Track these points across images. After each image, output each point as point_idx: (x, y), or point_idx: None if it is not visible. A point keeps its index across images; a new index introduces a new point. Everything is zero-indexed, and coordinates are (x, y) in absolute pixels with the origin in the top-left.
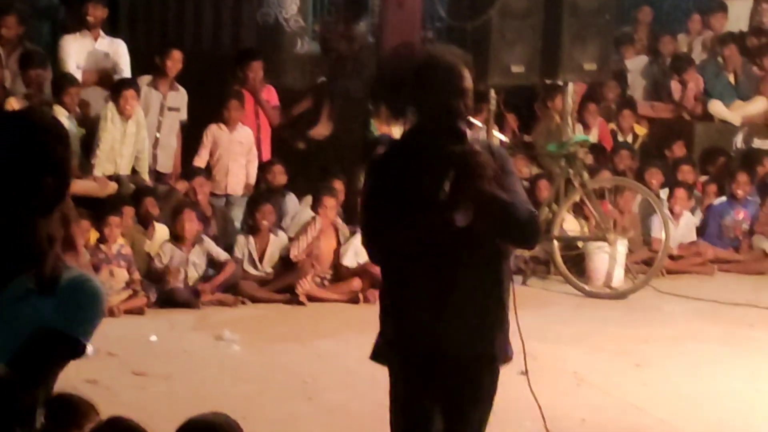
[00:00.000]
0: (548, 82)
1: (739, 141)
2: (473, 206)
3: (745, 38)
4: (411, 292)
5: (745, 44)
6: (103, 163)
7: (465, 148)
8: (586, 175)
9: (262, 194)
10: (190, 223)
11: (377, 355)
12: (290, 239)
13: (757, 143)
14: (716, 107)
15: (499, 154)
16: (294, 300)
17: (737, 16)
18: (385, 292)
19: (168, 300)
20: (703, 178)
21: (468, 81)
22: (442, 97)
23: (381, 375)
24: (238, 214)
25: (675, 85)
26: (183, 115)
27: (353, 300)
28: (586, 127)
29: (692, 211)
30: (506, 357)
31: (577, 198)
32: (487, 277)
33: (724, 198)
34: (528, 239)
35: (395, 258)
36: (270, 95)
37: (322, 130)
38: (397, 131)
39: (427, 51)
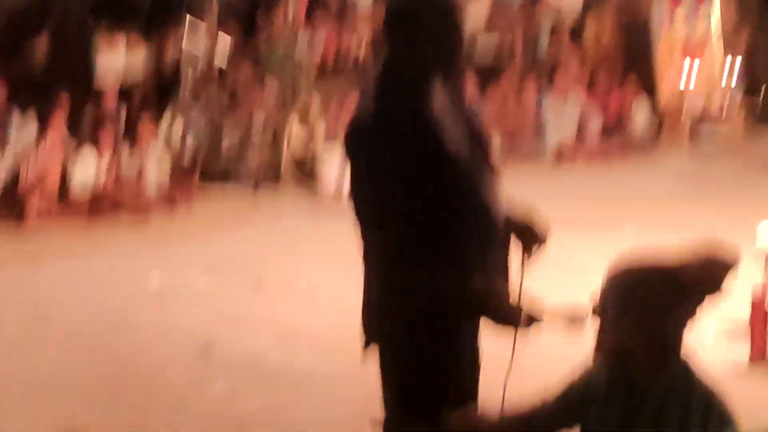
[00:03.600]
0: None
1: None
2: None
3: None
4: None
5: None
6: None
7: (474, 113)
8: (312, 81)
9: None
10: None
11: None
12: (16, 157)
13: None
14: None
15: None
16: (21, 221)
17: None
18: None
19: None
20: None
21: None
22: (450, 44)
23: (113, 294)
24: None
25: None
26: None
27: (84, 218)
28: (314, 32)
29: None
30: None
31: (305, 104)
32: None
33: None
34: None
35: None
36: None
37: (41, 46)
38: (121, 53)
39: None
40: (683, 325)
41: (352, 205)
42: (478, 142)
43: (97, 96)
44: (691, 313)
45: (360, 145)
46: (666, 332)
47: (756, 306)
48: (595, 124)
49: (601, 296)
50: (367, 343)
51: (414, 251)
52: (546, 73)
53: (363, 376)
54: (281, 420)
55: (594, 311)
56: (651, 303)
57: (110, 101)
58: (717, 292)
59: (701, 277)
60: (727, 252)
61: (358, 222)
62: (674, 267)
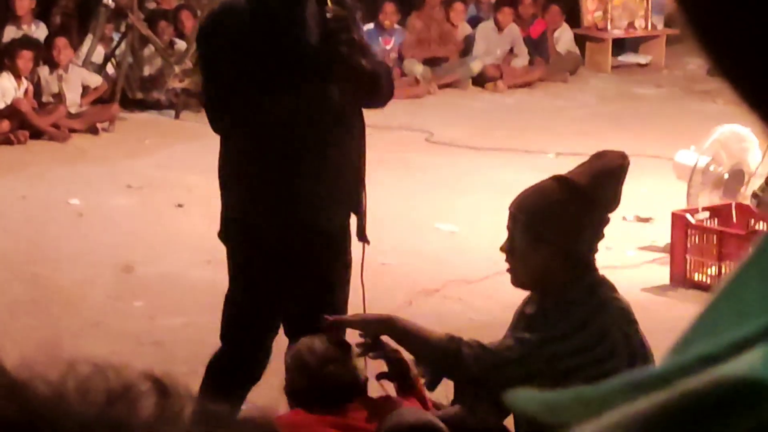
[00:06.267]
0: None
1: None
2: (343, 77)
3: None
4: (266, 164)
5: None
6: None
7: (333, 12)
8: None
9: None
10: None
11: (223, 234)
12: None
13: None
14: None
15: (349, 4)
16: None
17: None
18: (231, 164)
19: None
20: None
21: None
22: None
23: (34, 215)
24: None
25: None
26: None
27: (4, 141)
28: None
29: None
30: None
31: None
32: (347, 143)
33: (371, 25)
34: (387, 99)
35: (247, 128)
36: None
37: None
38: None
39: None
40: (591, 241)
41: (203, 98)
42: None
43: (15, 19)
44: (595, 225)
45: (211, 32)
46: (575, 249)
47: (676, 229)
48: (521, 50)
49: (508, 230)
50: (222, 238)
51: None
52: None
53: None
54: (201, 338)
55: (502, 249)
56: (555, 216)
57: (29, 25)
58: (614, 200)
59: (595, 181)
60: (613, 157)
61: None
62: (568, 175)
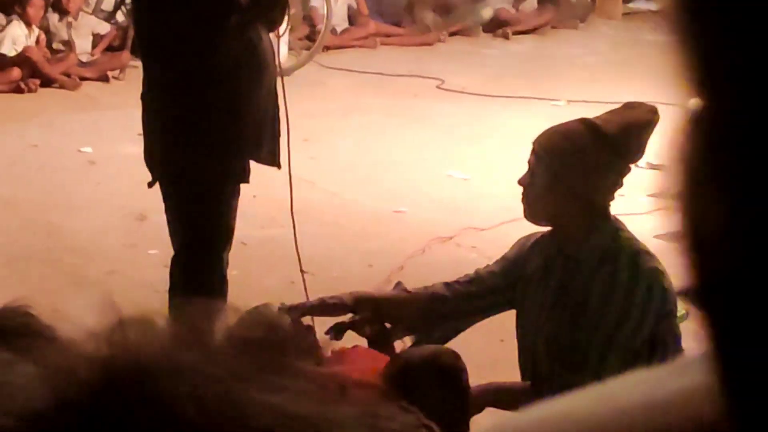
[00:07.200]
0: None
1: None
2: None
3: None
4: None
5: None
6: None
7: None
8: None
9: None
10: None
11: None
12: None
13: None
14: None
15: None
16: None
17: None
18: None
19: None
20: None
21: None
22: None
23: (46, 164)
24: None
25: None
26: None
27: (15, 90)
28: None
29: None
30: None
31: None
32: (273, 70)
33: None
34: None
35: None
36: None
37: None
38: None
39: None
40: (610, 189)
41: (138, 38)
42: None
43: None
44: (617, 173)
45: None
46: (594, 195)
47: None
48: None
49: (529, 165)
50: (152, 183)
51: (189, 87)
52: None
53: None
54: None
55: (520, 182)
56: (577, 160)
57: None
58: (639, 150)
59: (623, 131)
60: (644, 110)
61: (143, 57)
62: (597, 120)
